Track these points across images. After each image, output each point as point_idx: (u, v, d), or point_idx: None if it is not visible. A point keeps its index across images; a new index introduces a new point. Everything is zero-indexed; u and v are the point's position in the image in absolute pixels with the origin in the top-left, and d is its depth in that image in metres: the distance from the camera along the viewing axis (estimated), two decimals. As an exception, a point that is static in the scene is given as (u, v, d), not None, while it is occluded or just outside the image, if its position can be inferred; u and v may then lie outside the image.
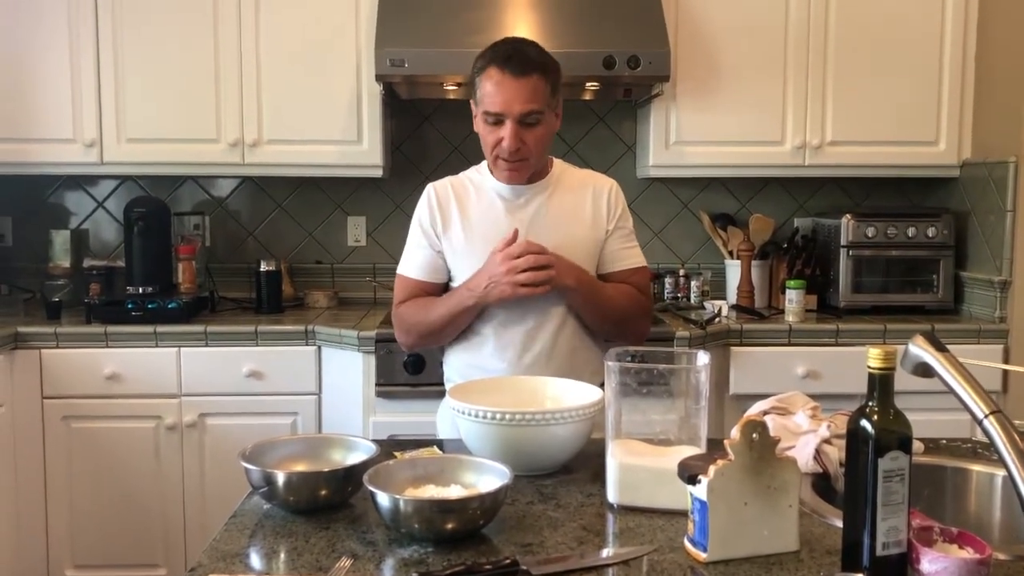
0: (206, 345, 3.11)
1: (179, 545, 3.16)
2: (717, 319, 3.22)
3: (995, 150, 3.35)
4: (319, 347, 3.13)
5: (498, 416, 1.52)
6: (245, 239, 3.74)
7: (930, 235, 3.40)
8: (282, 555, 1.26)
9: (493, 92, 1.87)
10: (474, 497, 1.27)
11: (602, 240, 2.00)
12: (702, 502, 1.22)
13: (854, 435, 1.15)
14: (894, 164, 3.44)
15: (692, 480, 1.23)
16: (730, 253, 3.62)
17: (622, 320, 2.01)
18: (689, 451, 1.47)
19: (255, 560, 1.24)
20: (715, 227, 3.66)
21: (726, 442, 1.23)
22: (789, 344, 3.19)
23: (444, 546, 1.27)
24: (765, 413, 1.75)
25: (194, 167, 3.40)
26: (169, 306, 3.17)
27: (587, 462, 1.65)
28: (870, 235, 3.40)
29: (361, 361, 3.03)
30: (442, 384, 2.14)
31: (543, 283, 1.85)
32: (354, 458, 1.49)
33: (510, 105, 1.87)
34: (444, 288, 2.04)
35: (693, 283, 3.56)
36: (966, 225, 3.45)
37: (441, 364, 2.15)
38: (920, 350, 1.37)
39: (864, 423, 1.14)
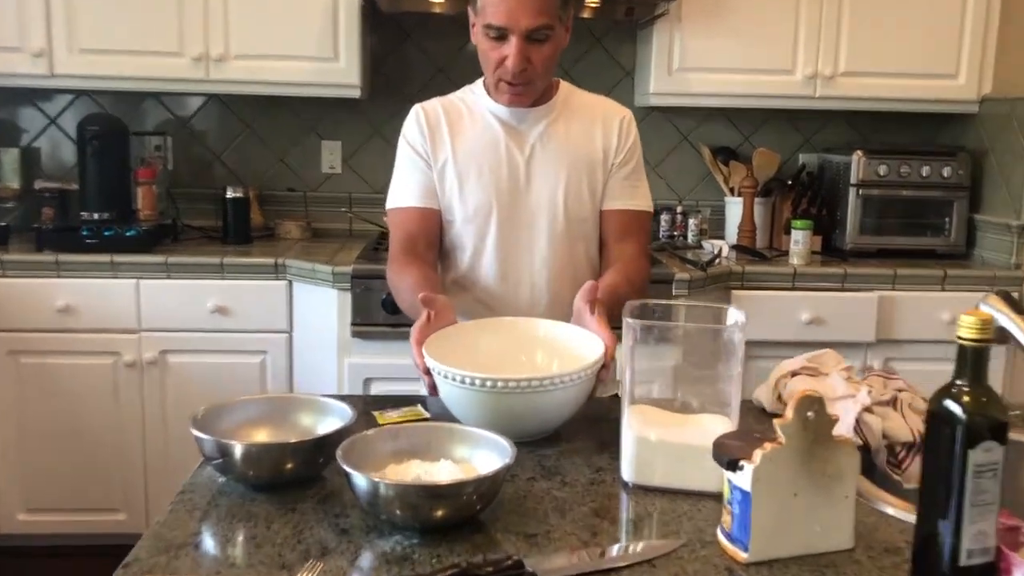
0: (167, 277, 2.87)
1: (139, 489, 2.96)
2: (717, 260, 3.01)
3: (1019, 86, 3.13)
4: (290, 282, 2.89)
5: (488, 384, 1.30)
6: (211, 163, 3.47)
7: (945, 175, 3.19)
8: (238, 545, 1.05)
9: (497, 1, 1.61)
10: (468, 481, 1.06)
11: (607, 172, 1.76)
12: (744, 492, 1.02)
13: (938, 419, 0.95)
14: (910, 98, 3.21)
15: (733, 466, 1.03)
16: (731, 190, 3.40)
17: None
18: (715, 421, 1.27)
19: (204, 553, 1.03)
20: (716, 161, 3.43)
21: (776, 422, 1.03)
22: (793, 288, 3.00)
23: (432, 536, 1.06)
24: (794, 374, 1.55)
25: (154, 83, 3.10)
26: (127, 234, 2.92)
27: (591, 426, 1.45)
28: (882, 173, 3.19)
29: (336, 298, 2.80)
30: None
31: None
32: (327, 424, 1.28)
33: (516, 17, 1.61)
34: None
35: (691, 221, 3.34)
36: (983, 165, 3.24)
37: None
38: (996, 312, 1.15)
39: (952, 405, 0.94)
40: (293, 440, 1.20)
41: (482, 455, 1.18)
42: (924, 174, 3.19)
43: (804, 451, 1.02)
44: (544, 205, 1.73)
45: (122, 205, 3.08)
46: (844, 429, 1.39)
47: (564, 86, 1.80)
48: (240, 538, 1.06)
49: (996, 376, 3.05)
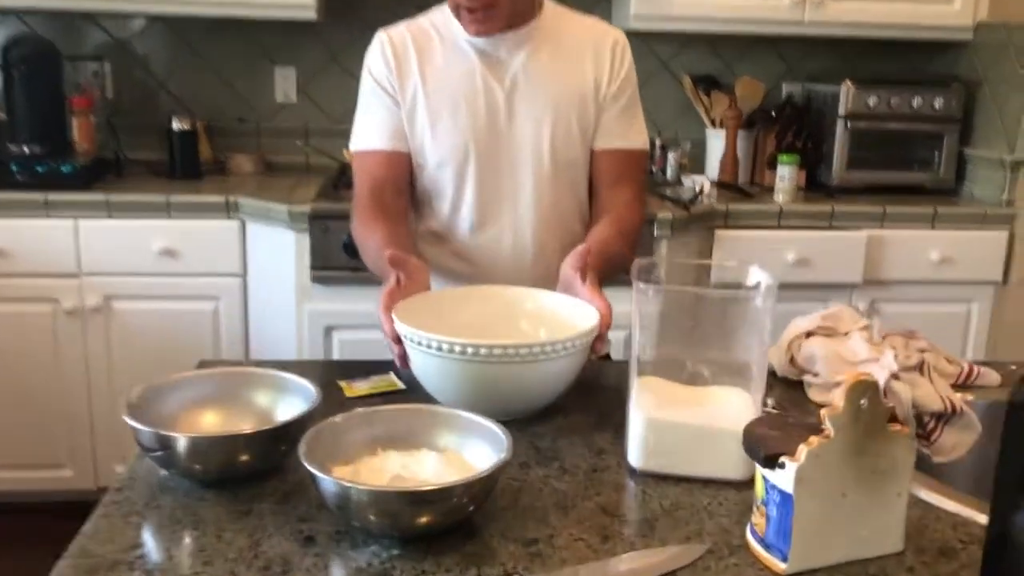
0: (109, 217, 2.64)
1: (85, 443, 2.77)
2: (699, 198, 2.84)
3: (1017, 12, 2.96)
4: (243, 222, 2.68)
5: (469, 351, 1.12)
6: (155, 91, 3.20)
7: (936, 107, 3.03)
8: (183, 563, 0.88)
9: None
10: (457, 485, 0.89)
11: (599, 108, 1.56)
12: (785, 495, 0.86)
13: (1020, 408, 0.79)
14: (901, 23, 3.03)
15: (771, 463, 0.87)
16: (712, 121, 3.22)
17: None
18: (732, 396, 1.11)
19: (140, 574, 0.86)
20: (697, 91, 3.24)
21: (824, 412, 0.87)
22: (779, 228, 2.85)
23: (416, 546, 0.90)
24: (809, 334, 1.40)
25: (90, 1, 2.82)
26: (63, 169, 2.67)
27: (586, 397, 1.29)
28: (872, 104, 3.02)
29: (293, 240, 2.59)
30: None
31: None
32: (287, 405, 1.10)
33: None
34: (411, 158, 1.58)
35: (671, 155, 3.15)
36: (976, 96, 3.09)
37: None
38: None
39: (1041, 397, 0.78)
40: (247, 430, 1.01)
41: (471, 444, 1.01)
42: (915, 105, 3.03)
43: (855, 444, 0.87)
44: (528, 146, 1.53)
45: (56, 137, 2.82)
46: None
47: (550, 6, 1.59)
48: (185, 553, 0.89)
49: (983, 324, 2.95)
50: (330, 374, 1.35)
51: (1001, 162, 2.94)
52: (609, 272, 1.44)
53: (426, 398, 1.24)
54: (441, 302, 1.33)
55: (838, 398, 0.86)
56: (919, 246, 2.87)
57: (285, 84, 3.23)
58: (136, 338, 2.71)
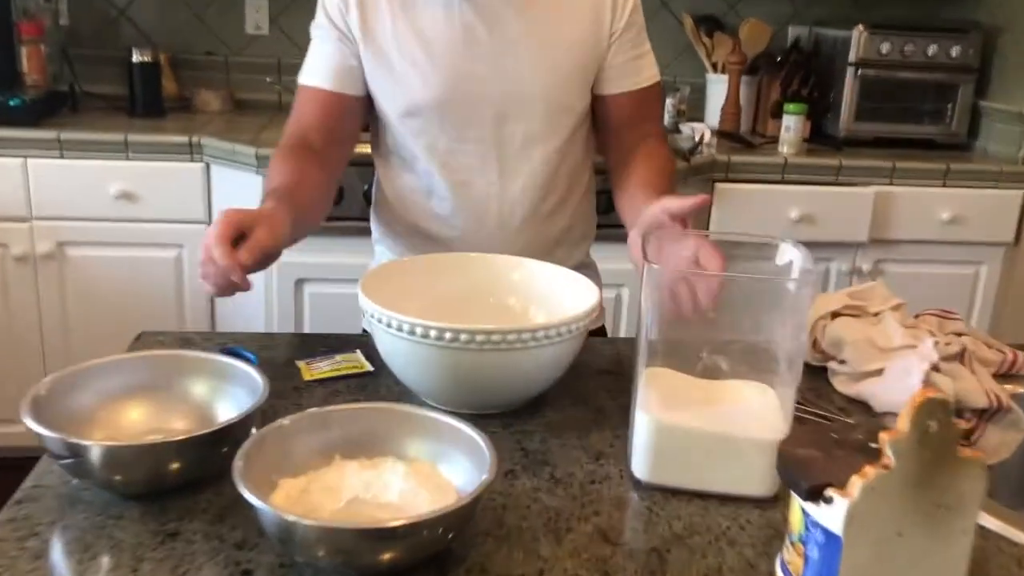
0: (61, 156, 2.43)
1: (39, 398, 2.59)
2: (699, 148, 2.66)
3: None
4: (207, 164, 2.47)
5: (447, 336, 0.95)
6: (114, 19, 2.96)
7: (953, 55, 2.84)
8: (88, 605, 0.71)
9: None
10: (428, 520, 0.72)
11: (604, 49, 1.36)
12: (831, 535, 0.70)
13: None
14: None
15: (816, 496, 0.71)
16: (714, 66, 3.02)
17: None
18: (755, 394, 0.95)
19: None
20: (699, 32, 3.03)
21: (884, 436, 0.70)
22: (782, 181, 2.67)
23: (377, 586, 0.74)
24: (835, 314, 1.23)
25: (38, -82, 2.58)
26: (10, 103, 2.45)
27: (581, 386, 1.13)
28: (884, 51, 2.83)
29: (260, 185, 2.38)
30: (365, 220, 1.55)
31: None
32: (228, 398, 0.93)
33: None
34: (365, 105, 1.38)
35: (668, 101, 2.95)
36: (995, 45, 2.90)
37: (365, 194, 1.51)
38: None
39: None
40: (178, 435, 0.83)
41: (446, 454, 0.84)
42: (930, 53, 2.84)
43: (918, 475, 0.71)
44: (515, 93, 1.32)
45: (3, 68, 2.59)
46: (906, 395, 1.08)
47: None
48: (90, 593, 0.72)
49: (990, 287, 2.80)
50: (291, 350, 1.18)
51: (1019, 115, 2.77)
52: None
53: (396, 383, 1.07)
54: (414, 272, 1.16)
55: (903, 420, 0.69)
56: (929, 204, 2.71)
57: (256, 15, 2.99)
58: (92, 288, 2.53)
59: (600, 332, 1.52)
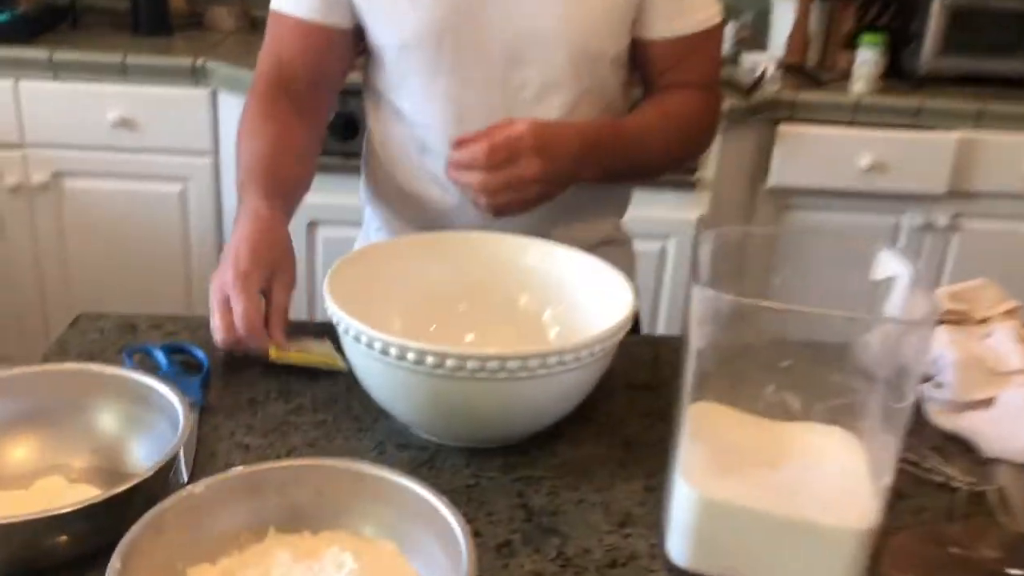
0: (54, 78, 2.22)
1: (38, 335, 2.44)
2: (761, 83, 2.37)
3: None
4: (214, 91, 2.25)
5: (449, 363, 0.73)
6: (121, -76, 2.71)
7: (1059, -20, 2.49)
8: None
9: None
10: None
11: None
12: None
13: None
14: None
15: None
16: (781, -12, 2.69)
17: (679, 161, 1.19)
18: (837, 447, 0.72)
19: None
20: (765, -50, 2.70)
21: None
22: (852, 124, 2.37)
23: None
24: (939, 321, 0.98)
25: None
26: (0, 18, 2.24)
27: (600, 413, 0.90)
28: (978, -25, 2.48)
29: (269, 117, 2.16)
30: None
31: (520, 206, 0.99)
32: (147, 430, 0.72)
33: None
34: (353, 39, 1.13)
35: (728, 27, 2.64)
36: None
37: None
38: None
39: None
40: (53, 514, 0.62)
41: (410, 530, 0.63)
42: (1031, -22, 2.49)
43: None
44: (530, 31, 1.05)
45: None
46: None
47: None
48: None
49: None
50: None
51: None
52: (626, 162, 1.04)
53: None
54: (400, 254, 0.93)
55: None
56: (1019, 153, 2.40)
57: (275, -78, 2.71)
58: (92, 222, 2.34)
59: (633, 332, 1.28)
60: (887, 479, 0.66)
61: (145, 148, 2.28)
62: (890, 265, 0.71)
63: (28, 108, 2.24)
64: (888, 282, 0.71)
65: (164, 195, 2.33)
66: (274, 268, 0.91)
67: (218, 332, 0.87)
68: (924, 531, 0.66)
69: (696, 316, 0.67)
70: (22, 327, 2.44)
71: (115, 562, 0.55)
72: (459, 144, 0.96)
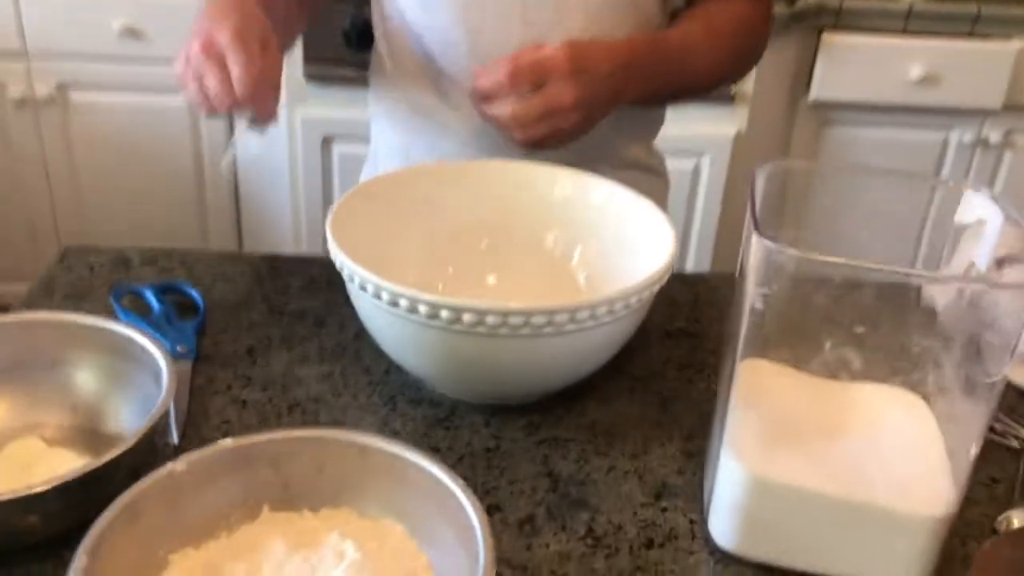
0: (55, -19, 2.11)
1: (50, 254, 2.37)
2: (806, -12, 2.21)
3: None
4: (223, -3, 2.12)
5: (444, 314, 0.64)
6: None
7: None
8: None
9: None
10: None
11: None
12: None
13: None
14: None
15: None
16: None
17: (728, 77, 1.06)
18: (903, 412, 0.63)
19: None
20: None
21: None
22: (904, 32, 2.22)
23: None
24: (999, 262, 0.88)
25: None
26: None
27: (634, 364, 0.81)
28: None
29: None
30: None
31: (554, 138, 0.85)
32: (130, 387, 0.64)
33: None
34: None
35: (771, -74, 2.47)
36: None
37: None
38: None
39: None
40: (24, 493, 0.55)
41: (420, 509, 0.55)
42: None
43: None
44: None
45: None
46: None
47: None
48: None
49: None
50: (254, 281, 0.88)
51: None
52: (669, 82, 0.93)
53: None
54: (413, 186, 0.83)
55: None
56: (1084, 65, 2.24)
57: None
58: (101, 137, 2.25)
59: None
60: (971, 455, 0.58)
61: (152, 58, 2.17)
62: (978, 208, 0.61)
63: (29, 18, 2.13)
64: (975, 226, 0.61)
65: (174, 110, 2.22)
66: (264, 34, 0.81)
67: (214, 94, 0.77)
68: (1015, 536, 0.57)
69: (753, 268, 0.57)
70: (34, 242, 2.37)
71: (80, 559, 0.48)
72: (481, 76, 0.85)
